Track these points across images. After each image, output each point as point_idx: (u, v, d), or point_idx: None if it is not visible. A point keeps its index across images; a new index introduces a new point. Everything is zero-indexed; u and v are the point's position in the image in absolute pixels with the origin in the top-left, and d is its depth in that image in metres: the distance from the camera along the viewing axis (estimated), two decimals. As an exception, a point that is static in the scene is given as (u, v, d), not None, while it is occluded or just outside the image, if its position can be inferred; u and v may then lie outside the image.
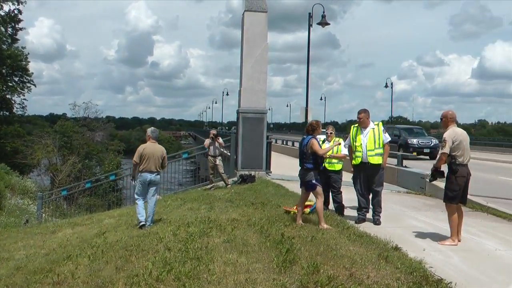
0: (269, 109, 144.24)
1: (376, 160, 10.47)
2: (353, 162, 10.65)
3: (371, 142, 10.47)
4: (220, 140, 17.18)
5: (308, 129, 9.72)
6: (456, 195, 8.83)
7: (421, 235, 9.52)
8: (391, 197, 14.20)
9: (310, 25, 33.75)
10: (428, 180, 9.72)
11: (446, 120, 8.93)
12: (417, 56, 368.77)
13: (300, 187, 9.90)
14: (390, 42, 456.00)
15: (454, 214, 8.85)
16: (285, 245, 7.36)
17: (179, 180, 24.66)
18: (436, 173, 9.08)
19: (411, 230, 9.99)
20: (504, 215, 11.63)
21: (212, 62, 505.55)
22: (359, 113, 10.68)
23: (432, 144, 33.05)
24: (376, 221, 10.48)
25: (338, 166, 11.24)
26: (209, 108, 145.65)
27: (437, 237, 9.26)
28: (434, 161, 9.17)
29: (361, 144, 10.49)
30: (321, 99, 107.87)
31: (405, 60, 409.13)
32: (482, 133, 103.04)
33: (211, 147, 16.91)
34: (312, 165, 9.46)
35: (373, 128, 10.59)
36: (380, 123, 10.82)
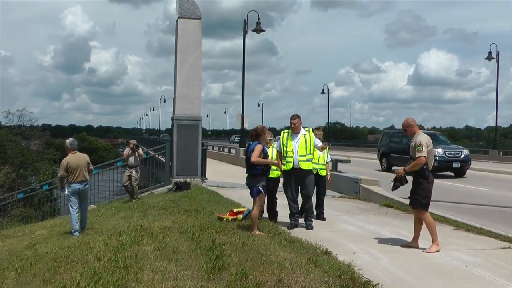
0: (207, 116, 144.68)
1: (307, 165, 10.51)
2: (284, 167, 10.58)
3: (302, 147, 10.47)
4: (140, 151, 17.08)
5: (252, 134, 9.69)
6: (428, 201, 8.75)
7: (352, 238, 9.64)
8: (325, 202, 14.30)
9: (245, 32, 34.22)
10: (391, 189, 9.34)
11: (412, 128, 8.84)
12: (354, 63, 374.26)
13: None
14: (327, 49, 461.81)
15: (429, 218, 8.79)
16: (215, 252, 7.31)
17: (115, 188, 24.30)
18: (403, 179, 8.95)
19: (343, 234, 10.12)
20: (435, 217, 11.84)
21: (150, 69, 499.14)
22: (293, 118, 10.65)
23: (463, 156, 25.70)
24: (308, 226, 10.52)
25: (276, 173, 11.06)
26: (146, 115, 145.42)
27: (368, 240, 9.43)
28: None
29: (292, 149, 10.48)
30: (258, 105, 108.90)
31: (342, 67, 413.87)
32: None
33: (131, 158, 16.70)
34: (259, 171, 9.40)
35: (304, 134, 10.60)
36: (311, 130, 10.88)
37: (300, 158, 10.44)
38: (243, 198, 14.51)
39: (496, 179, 25.26)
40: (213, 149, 44.40)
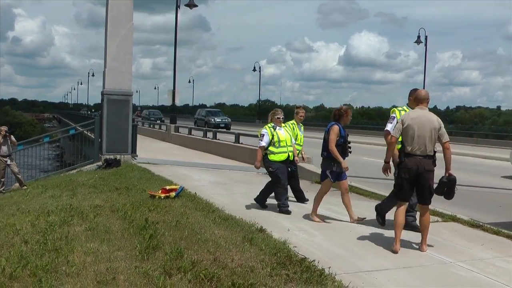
0: (137, 92, 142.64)
1: None
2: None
3: None
4: (13, 138, 16.24)
5: (334, 113, 9.07)
6: (400, 190, 7.35)
7: (286, 215, 9.65)
8: (256, 180, 14.32)
9: (178, 6, 33.72)
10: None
11: (411, 98, 7.81)
12: (286, 42, 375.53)
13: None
14: (260, 27, 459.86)
15: (398, 217, 7.34)
16: (149, 231, 7.15)
17: (41, 165, 23.64)
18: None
19: (276, 211, 10.06)
20: (366, 193, 12.05)
21: (78, 41, 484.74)
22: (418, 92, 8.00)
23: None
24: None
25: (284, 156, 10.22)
26: (74, 89, 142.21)
27: (302, 217, 9.47)
28: None
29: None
30: (189, 81, 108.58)
31: (274, 45, 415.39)
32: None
33: (3, 147, 15.75)
34: (330, 155, 8.87)
35: None
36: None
37: None
38: (175, 175, 14.36)
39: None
40: (143, 125, 43.86)
